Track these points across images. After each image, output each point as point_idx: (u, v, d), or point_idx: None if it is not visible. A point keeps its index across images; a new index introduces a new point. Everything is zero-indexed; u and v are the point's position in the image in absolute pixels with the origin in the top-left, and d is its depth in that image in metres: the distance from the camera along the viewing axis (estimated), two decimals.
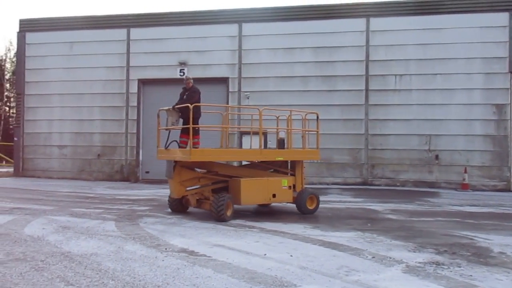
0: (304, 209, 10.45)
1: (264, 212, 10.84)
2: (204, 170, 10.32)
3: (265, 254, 6.43)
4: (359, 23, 18.40)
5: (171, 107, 10.34)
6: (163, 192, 15.07)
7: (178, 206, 10.45)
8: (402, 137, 17.87)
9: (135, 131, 20.11)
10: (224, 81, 19.39)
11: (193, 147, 9.95)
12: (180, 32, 19.88)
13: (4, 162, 30.05)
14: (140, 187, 17.06)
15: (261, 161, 10.75)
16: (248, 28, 19.30)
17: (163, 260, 6.05)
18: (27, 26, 21.60)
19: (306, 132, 11.51)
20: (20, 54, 21.75)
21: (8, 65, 48.16)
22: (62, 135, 20.91)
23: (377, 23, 18.26)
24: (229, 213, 9.32)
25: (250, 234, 7.95)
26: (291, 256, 6.38)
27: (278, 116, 11.46)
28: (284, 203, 11.14)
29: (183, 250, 6.65)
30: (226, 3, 75.86)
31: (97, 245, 6.92)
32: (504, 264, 6.09)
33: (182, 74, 19.52)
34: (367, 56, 18.28)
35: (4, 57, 48.57)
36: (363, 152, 18.18)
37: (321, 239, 7.54)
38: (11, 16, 76.45)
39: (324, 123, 18.19)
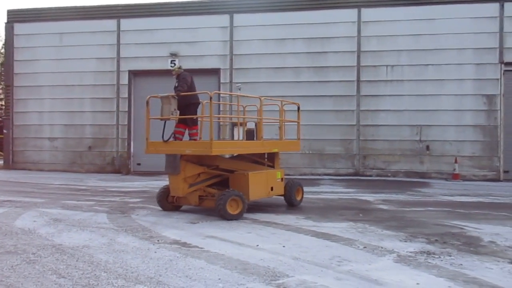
0: (294, 201, 10.27)
1: (255, 204, 10.84)
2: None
3: (257, 245, 6.45)
4: (350, 14, 18.33)
5: (170, 94, 9.30)
6: (155, 184, 15.03)
7: (169, 204, 9.50)
8: (394, 127, 17.93)
9: (126, 123, 20.01)
10: (215, 72, 19.29)
11: (192, 139, 9.65)
12: (171, 23, 19.72)
13: None
14: (132, 179, 17.00)
15: (248, 153, 10.11)
16: (240, 19, 19.18)
17: (155, 252, 6.04)
18: (16, 17, 21.31)
19: (285, 123, 11.21)
20: (9, 45, 21.46)
21: None
22: (52, 127, 20.75)
23: (368, 13, 18.22)
24: (236, 210, 8.53)
25: (242, 225, 7.96)
26: (284, 247, 6.40)
27: (261, 106, 10.84)
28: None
29: (176, 242, 6.65)
30: None
31: (89, 238, 6.90)
32: (494, 253, 6.15)
33: (173, 65, 19.21)
34: (359, 46, 18.25)
35: None
36: (355, 143, 18.23)
37: (313, 230, 7.57)
38: None
39: (316, 114, 18.30)
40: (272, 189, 9.76)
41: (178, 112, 9.31)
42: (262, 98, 9.97)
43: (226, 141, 9.17)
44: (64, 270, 5.22)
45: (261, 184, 9.44)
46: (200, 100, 9.79)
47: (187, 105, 9.45)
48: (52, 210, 9.45)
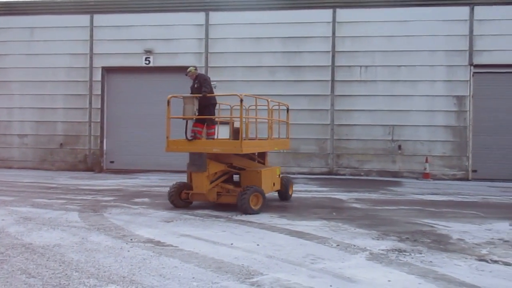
0: (288, 196, 11.10)
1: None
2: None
3: (232, 244, 6.45)
4: (325, 14, 18.47)
5: (193, 94, 9.59)
6: (129, 182, 14.87)
7: (181, 201, 9.74)
8: (367, 127, 18.16)
9: (99, 120, 19.67)
10: None
11: (209, 138, 10.03)
12: (146, 19, 19.46)
13: None
14: (105, 177, 16.75)
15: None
16: (215, 16, 19.09)
17: (128, 251, 5.98)
18: None
19: (274, 122, 11.82)
20: None
21: None
22: (23, 123, 20.23)
23: (343, 14, 18.38)
24: (256, 205, 9.06)
25: (217, 224, 7.96)
26: (258, 245, 6.42)
27: (249, 106, 11.23)
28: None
29: (149, 241, 6.60)
30: None
31: (60, 236, 6.78)
32: (462, 250, 6.32)
33: (147, 62, 19.16)
34: (333, 47, 18.40)
35: None
36: (329, 142, 18.40)
37: (287, 228, 7.62)
38: None
39: (291, 113, 18.28)
40: (274, 184, 10.34)
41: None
42: (269, 99, 10.46)
43: (250, 141, 9.89)
44: (34, 269, 5.12)
45: (269, 180, 10.01)
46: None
47: (207, 106, 9.81)
48: (22, 209, 9.24)
